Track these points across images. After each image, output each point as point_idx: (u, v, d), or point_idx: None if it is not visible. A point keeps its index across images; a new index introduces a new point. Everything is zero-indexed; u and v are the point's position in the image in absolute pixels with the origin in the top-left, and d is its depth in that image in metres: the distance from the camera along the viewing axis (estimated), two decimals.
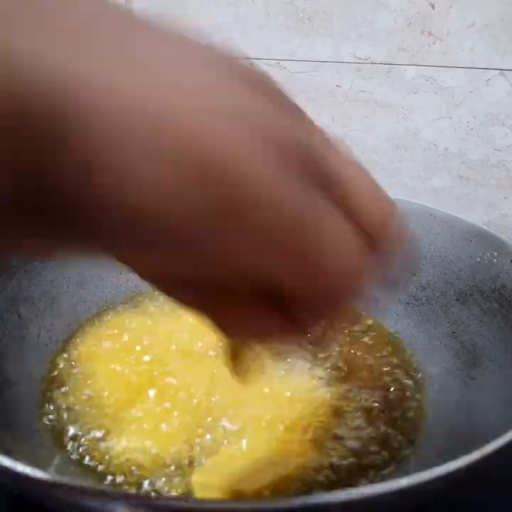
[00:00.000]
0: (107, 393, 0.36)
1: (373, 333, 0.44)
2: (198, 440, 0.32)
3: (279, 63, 0.62)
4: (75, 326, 0.43)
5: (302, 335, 0.19)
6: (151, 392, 0.35)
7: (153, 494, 0.19)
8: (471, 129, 0.56)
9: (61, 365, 0.38)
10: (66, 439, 0.32)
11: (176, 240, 0.14)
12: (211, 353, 0.40)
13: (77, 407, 0.35)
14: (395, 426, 0.34)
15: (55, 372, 0.38)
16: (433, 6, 0.54)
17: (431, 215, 0.45)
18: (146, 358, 0.39)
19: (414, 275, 0.46)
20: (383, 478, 0.30)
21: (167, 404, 0.35)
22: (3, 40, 0.12)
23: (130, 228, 0.14)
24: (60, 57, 0.13)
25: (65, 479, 0.19)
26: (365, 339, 0.43)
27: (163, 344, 0.41)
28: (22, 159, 0.13)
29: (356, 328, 0.44)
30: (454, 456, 0.21)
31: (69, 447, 0.32)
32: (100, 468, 0.30)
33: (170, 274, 0.17)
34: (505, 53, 0.52)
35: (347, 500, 0.19)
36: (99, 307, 0.46)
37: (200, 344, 0.41)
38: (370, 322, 0.45)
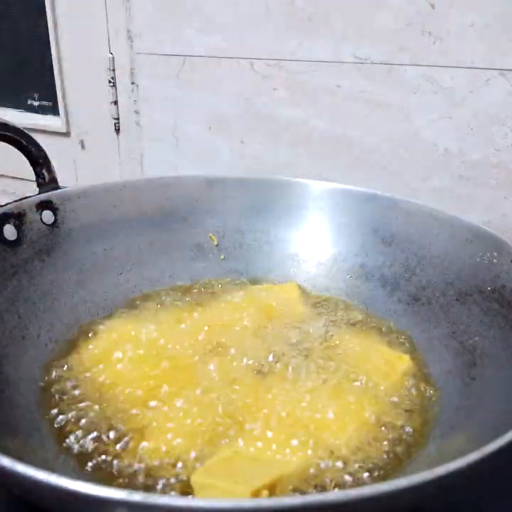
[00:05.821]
0: (107, 393, 0.36)
1: (375, 333, 0.44)
2: (198, 440, 0.32)
3: (279, 63, 0.62)
4: (75, 326, 0.43)
5: None
6: (153, 392, 0.35)
7: (153, 494, 0.19)
8: (471, 129, 0.56)
9: (61, 366, 0.38)
10: (66, 439, 0.32)
11: None
12: (210, 350, 0.40)
13: (77, 407, 0.35)
14: (394, 426, 0.34)
15: (55, 373, 0.38)
16: (433, 6, 0.54)
17: (431, 215, 0.45)
18: (146, 358, 0.39)
19: (415, 275, 0.46)
20: (383, 479, 0.31)
21: (167, 404, 0.35)
22: None
23: None
24: None
25: (65, 479, 0.19)
26: (367, 339, 0.43)
27: (163, 343, 0.41)
28: None
29: (358, 327, 0.45)
30: (454, 456, 0.21)
31: (69, 447, 0.32)
32: (100, 468, 0.31)
33: None
34: (505, 53, 0.52)
35: (347, 500, 0.19)
36: (99, 307, 0.46)
37: (200, 341, 0.41)
38: (377, 323, 0.45)
